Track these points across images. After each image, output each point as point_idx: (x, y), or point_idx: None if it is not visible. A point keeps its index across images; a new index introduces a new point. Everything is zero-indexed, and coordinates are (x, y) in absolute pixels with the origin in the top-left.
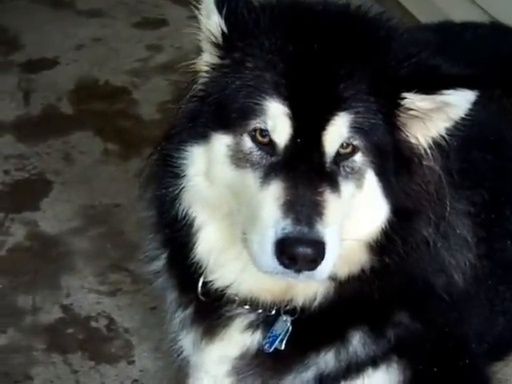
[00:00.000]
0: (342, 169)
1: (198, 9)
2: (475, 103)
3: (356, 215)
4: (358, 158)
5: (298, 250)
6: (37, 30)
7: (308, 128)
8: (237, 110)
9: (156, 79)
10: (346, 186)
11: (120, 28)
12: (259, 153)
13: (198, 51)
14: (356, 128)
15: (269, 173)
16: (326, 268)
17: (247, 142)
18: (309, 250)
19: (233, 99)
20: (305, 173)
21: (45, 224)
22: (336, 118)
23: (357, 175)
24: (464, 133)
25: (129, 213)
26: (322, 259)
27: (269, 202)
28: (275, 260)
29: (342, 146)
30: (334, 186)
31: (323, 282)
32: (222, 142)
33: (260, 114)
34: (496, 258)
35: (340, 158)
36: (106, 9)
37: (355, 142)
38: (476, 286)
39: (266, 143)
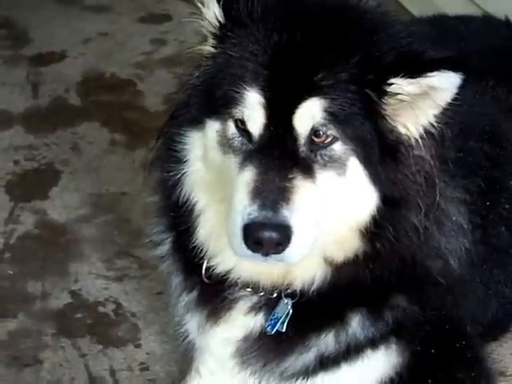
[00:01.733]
0: (319, 157)
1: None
2: (464, 88)
3: (343, 202)
4: (338, 146)
5: (263, 234)
6: (45, 24)
7: (280, 115)
8: (221, 97)
9: (160, 72)
10: (325, 174)
11: (125, 23)
12: (240, 139)
13: (203, 40)
14: (331, 114)
15: (245, 159)
16: (295, 251)
17: (231, 128)
18: (274, 234)
19: (218, 87)
20: (277, 159)
21: (53, 212)
22: (306, 101)
23: (337, 163)
24: (459, 122)
25: (135, 201)
26: (289, 242)
27: (240, 188)
28: (243, 244)
29: (316, 133)
30: (307, 172)
31: (320, 266)
32: (212, 127)
33: (239, 103)
34: (491, 244)
35: (316, 146)
36: (112, 4)
37: (330, 132)
38: (471, 270)
39: (246, 130)
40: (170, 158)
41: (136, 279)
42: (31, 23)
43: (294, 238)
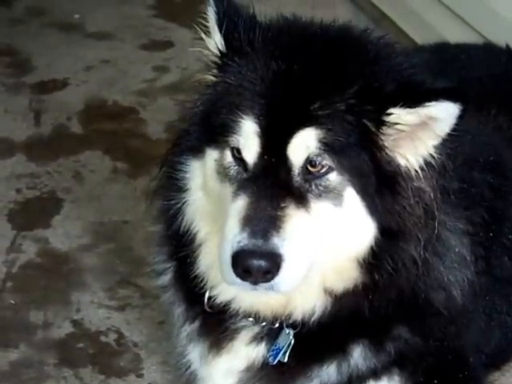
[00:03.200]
0: (314, 187)
1: (203, 29)
2: (471, 122)
3: (340, 232)
4: (333, 177)
5: (252, 262)
6: (47, 52)
7: (274, 144)
8: (219, 126)
9: (163, 99)
10: (319, 204)
11: (128, 50)
12: (236, 168)
13: (206, 69)
14: (326, 144)
15: (239, 188)
16: (285, 280)
17: (228, 157)
18: (262, 262)
19: (217, 115)
20: (269, 188)
21: (56, 241)
22: (301, 131)
23: (332, 194)
24: (462, 152)
25: (137, 229)
26: (277, 271)
27: (232, 217)
28: (232, 272)
29: (311, 163)
30: (301, 202)
31: (320, 296)
32: (211, 156)
33: (236, 132)
34: (494, 274)
35: (311, 176)
36: (114, 31)
37: (325, 162)
38: (474, 301)
39: (242, 159)
40: (172, 187)
41: (138, 308)
42: (34, 51)
43: (284, 267)
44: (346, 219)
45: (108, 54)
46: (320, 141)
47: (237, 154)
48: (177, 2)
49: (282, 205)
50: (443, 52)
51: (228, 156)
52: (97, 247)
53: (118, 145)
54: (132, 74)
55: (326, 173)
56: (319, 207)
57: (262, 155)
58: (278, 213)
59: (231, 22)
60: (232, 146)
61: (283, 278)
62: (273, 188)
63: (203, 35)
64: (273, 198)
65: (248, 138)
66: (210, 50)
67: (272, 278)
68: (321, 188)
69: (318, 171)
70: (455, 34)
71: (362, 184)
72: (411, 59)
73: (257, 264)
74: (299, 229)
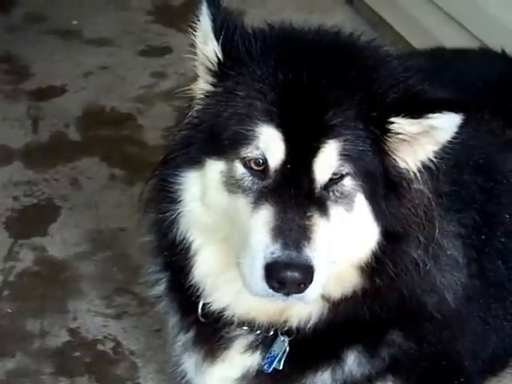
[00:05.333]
0: (331, 193)
1: (194, 34)
2: (464, 126)
3: (347, 238)
4: (348, 182)
5: (287, 274)
6: (46, 59)
7: (298, 154)
8: (228, 137)
9: (160, 105)
10: (336, 210)
11: (126, 56)
12: (251, 178)
13: (195, 77)
14: (345, 155)
15: (259, 198)
16: (314, 291)
17: (239, 168)
18: (297, 274)
19: (225, 127)
20: (294, 197)
21: (53, 249)
22: (326, 145)
23: (346, 199)
24: (454, 155)
25: (134, 236)
26: (311, 283)
27: (259, 227)
28: (265, 284)
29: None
30: (323, 210)
31: (317, 303)
32: (215, 167)
33: (252, 141)
34: (487, 278)
35: (330, 183)
36: (112, 37)
37: (344, 169)
38: (468, 304)
39: (257, 170)
40: (165, 199)
41: (135, 316)
42: (32, 57)
43: (315, 278)
44: (355, 224)
45: (106, 60)
46: (340, 153)
47: (253, 165)
48: (175, 8)
49: (308, 214)
50: (438, 57)
51: (239, 167)
52: (94, 255)
53: (116, 151)
54: (130, 80)
55: (341, 178)
56: (335, 214)
57: (284, 163)
58: (306, 222)
59: (228, 30)
60: (245, 155)
61: (313, 289)
62: (297, 197)
63: (198, 42)
64: (299, 207)
65: (271, 143)
66: (206, 57)
67: (305, 289)
68: (337, 194)
69: (337, 178)
70: (452, 39)
71: (372, 189)
72: (405, 62)
73: (292, 276)
74: (325, 238)
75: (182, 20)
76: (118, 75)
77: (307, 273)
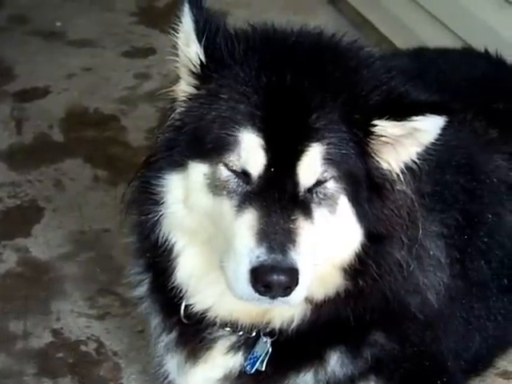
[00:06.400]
0: (315, 196)
1: (176, 35)
2: (447, 127)
3: (330, 240)
4: (331, 184)
5: (273, 278)
6: (29, 60)
7: (282, 158)
8: (212, 141)
9: (144, 106)
10: (319, 212)
11: (109, 57)
12: (235, 181)
13: (177, 79)
14: (329, 159)
15: (244, 201)
16: (300, 293)
17: (223, 171)
18: (283, 278)
19: (208, 130)
20: (278, 201)
21: (36, 250)
22: (309, 149)
23: (330, 201)
24: (436, 156)
25: (117, 237)
26: (296, 285)
27: (243, 231)
28: (250, 287)
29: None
30: (307, 213)
31: (300, 304)
32: (198, 170)
33: (234, 147)
34: (470, 278)
35: (313, 185)
36: (96, 39)
37: (328, 173)
38: (451, 305)
39: (241, 173)
40: (147, 200)
41: (118, 317)
42: (16, 59)
43: (300, 281)
44: (338, 226)
45: (90, 61)
46: (324, 157)
47: (236, 169)
48: (159, 9)
49: (293, 217)
50: (421, 57)
51: (223, 170)
52: (77, 256)
53: (99, 153)
54: (113, 81)
55: (325, 181)
56: (319, 216)
57: (268, 168)
58: (291, 225)
59: (210, 32)
60: (229, 161)
61: (298, 292)
62: (282, 200)
63: (180, 44)
64: (283, 210)
65: (252, 150)
66: (188, 59)
67: (291, 293)
68: (321, 196)
69: (320, 180)
70: (435, 39)
71: (355, 191)
72: (388, 63)
73: (278, 280)
74: (309, 241)
75: (166, 21)
76: (102, 76)
77: (293, 276)
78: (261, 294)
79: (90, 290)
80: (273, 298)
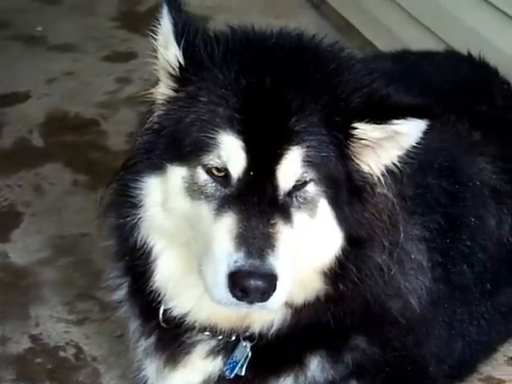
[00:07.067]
0: (294, 199)
1: (155, 38)
2: (429, 130)
3: (310, 244)
4: (311, 188)
5: (250, 283)
6: (10, 65)
7: (261, 161)
8: (190, 143)
9: (125, 111)
10: (299, 216)
11: (90, 62)
12: (214, 185)
13: (156, 81)
14: (308, 162)
15: (222, 205)
16: (278, 299)
17: (201, 175)
18: (260, 283)
19: (187, 133)
20: (258, 205)
21: (15, 255)
22: (289, 152)
23: (310, 205)
24: (418, 158)
25: (97, 242)
26: (274, 291)
27: (222, 235)
28: (228, 292)
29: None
30: (287, 217)
31: (279, 309)
32: (177, 173)
33: (213, 149)
34: (452, 282)
35: (293, 189)
36: (77, 43)
37: (308, 176)
38: (433, 309)
39: (220, 176)
40: (125, 204)
41: (97, 322)
42: None
43: (279, 286)
44: (318, 230)
45: (70, 65)
46: (304, 160)
47: (215, 172)
48: (140, 13)
49: (272, 221)
50: (404, 59)
51: (201, 173)
52: (56, 261)
53: (79, 157)
54: (94, 85)
55: (305, 184)
56: (299, 220)
57: (247, 171)
58: (270, 230)
59: (189, 34)
60: (208, 164)
61: (277, 297)
62: (261, 204)
63: (159, 46)
64: (262, 214)
65: (232, 152)
66: (167, 61)
67: (268, 298)
68: (300, 200)
69: (300, 184)
70: (419, 43)
71: (335, 194)
72: (369, 65)
73: (255, 285)
74: (288, 246)
75: (148, 26)
76: (83, 81)
77: (271, 282)
78: (238, 298)
79: (68, 294)
80: (250, 303)
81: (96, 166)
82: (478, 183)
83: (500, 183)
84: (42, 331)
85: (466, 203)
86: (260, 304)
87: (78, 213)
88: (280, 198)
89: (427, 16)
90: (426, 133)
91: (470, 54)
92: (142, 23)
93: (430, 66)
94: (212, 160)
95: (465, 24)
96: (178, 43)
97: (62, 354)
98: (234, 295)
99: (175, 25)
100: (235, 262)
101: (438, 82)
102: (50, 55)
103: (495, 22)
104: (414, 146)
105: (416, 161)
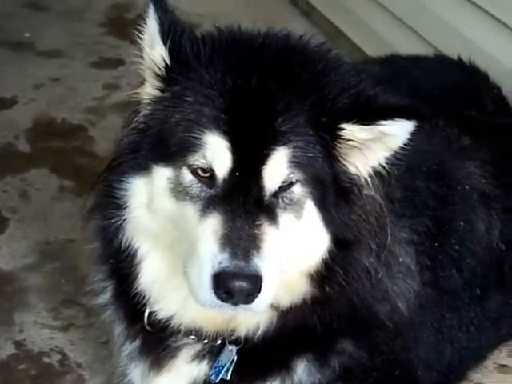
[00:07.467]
0: (280, 201)
1: (141, 37)
2: (418, 132)
3: (297, 246)
4: (297, 189)
5: (235, 285)
6: None
7: (247, 162)
8: (176, 143)
9: (112, 117)
10: (285, 218)
11: (78, 68)
12: (199, 185)
13: (142, 81)
14: (295, 162)
15: (208, 206)
16: (263, 300)
17: (187, 176)
18: (245, 285)
19: (172, 133)
20: (243, 206)
21: (0, 261)
22: (275, 152)
23: (296, 206)
24: (407, 161)
25: (82, 247)
26: (259, 293)
27: (206, 235)
28: (212, 294)
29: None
30: (272, 218)
31: (265, 311)
32: (162, 174)
33: (199, 149)
34: (441, 286)
35: (279, 190)
36: (65, 49)
37: (294, 176)
38: (421, 313)
39: (205, 177)
40: (110, 205)
41: (82, 328)
42: None
43: (264, 288)
44: (304, 232)
45: (58, 71)
46: (290, 160)
47: (200, 173)
48: (129, 20)
49: (257, 222)
50: (393, 64)
51: (187, 174)
52: (42, 267)
53: (66, 163)
54: (82, 91)
55: (291, 185)
56: (285, 221)
57: (233, 171)
58: (255, 231)
59: (175, 34)
60: (194, 164)
61: (262, 299)
62: (246, 205)
63: (145, 46)
64: (247, 215)
65: (217, 153)
66: (153, 61)
67: (253, 300)
68: (286, 201)
69: (286, 185)
70: (410, 49)
71: (321, 196)
72: (356, 66)
73: (240, 286)
74: (274, 248)
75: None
76: (70, 87)
77: (255, 283)
78: (223, 300)
79: (54, 300)
80: (235, 304)
81: (83, 171)
82: (467, 187)
83: (489, 188)
84: (27, 337)
85: (454, 207)
86: (245, 306)
87: (64, 219)
88: (266, 198)
89: (419, 23)
90: (414, 135)
91: (460, 59)
92: (130, 30)
93: (419, 71)
94: (197, 160)
95: (456, 30)
96: (164, 42)
97: (46, 360)
98: (219, 297)
99: (161, 24)
100: (219, 263)
101: (427, 87)
102: (37, 61)
103: (484, 25)
104: (401, 148)
105: (404, 163)
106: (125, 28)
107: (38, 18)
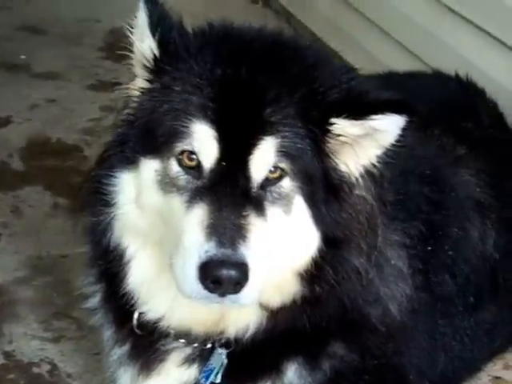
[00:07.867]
0: (268, 193)
1: (131, 31)
2: (410, 135)
3: (286, 243)
4: (286, 183)
5: (222, 273)
6: None
7: (234, 151)
8: (164, 133)
9: (109, 138)
10: (273, 211)
11: (75, 90)
12: (185, 177)
13: (133, 76)
14: (283, 152)
15: (194, 196)
16: (250, 292)
17: (174, 166)
18: (233, 272)
19: (160, 123)
20: (230, 196)
21: None
22: (262, 142)
23: (284, 201)
24: (401, 165)
25: (75, 262)
26: (247, 281)
27: (192, 226)
28: (199, 284)
29: (269, 171)
30: (260, 210)
31: (255, 312)
32: (150, 166)
33: (186, 137)
34: (434, 291)
35: (267, 182)
36: (62, 72)
37: (282, 165)
38: (414, 317)
39: (192, 166)
40: (98, 202)
41: (73, 340)
42: None
43: (251, 278)
44: (293, 228)
45: (54, 93)
46: (278, 150)
47: (187, 161)
48: (127, 45)
49: (244, 213)
50: (390, 79)
51: (174, 165)
52: (33, 280)
53: (60, 181)
54: (78, 113)
55: (280, 179)
56: (273, 214)
57: (219, 161)
58: (242, 221)
59: (165, 26)
60: (181, 151)
61: (249, 290)
62: (233, 195)
63: (135, 40)
64: (234, 205)
65: (204, 141)
66: (142, 54)
67: (241, 289)
68: (275, 195)
69: (274, 177)
70: (401, 64)
71: (311, 192)
72: (348, 66)
73: (227, 274)
74: (261, 238)
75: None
76: (66, 108)
77: (243, 271)
78: (210, 290)
79: (45, 313)
80: (222, 295)
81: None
82: (461, 194)
83: (484, 197)
84: (16, 348)
85: (448, 212)
86: (232, 296)
87: (57, 235)
88: (253, 190)
89: (413, 41)
90: (407, 138)
91: (457, 75)
92: (128, 54)
93: (416, 86)
94: (185, 145)
95: (451, 48)
96: (153, 34)
97: (35, 370)
98: (206, 287)
99: (150, 16)
100: (206, 251)
101: (424, 101)
102: (33, 82)
103: (479, 43)
104: (392, 145)
105: (398, 167)
106: (123, 53)
107: (35, 42)
